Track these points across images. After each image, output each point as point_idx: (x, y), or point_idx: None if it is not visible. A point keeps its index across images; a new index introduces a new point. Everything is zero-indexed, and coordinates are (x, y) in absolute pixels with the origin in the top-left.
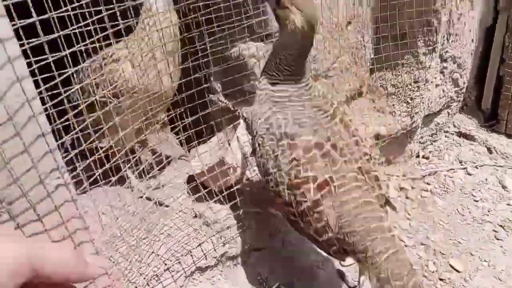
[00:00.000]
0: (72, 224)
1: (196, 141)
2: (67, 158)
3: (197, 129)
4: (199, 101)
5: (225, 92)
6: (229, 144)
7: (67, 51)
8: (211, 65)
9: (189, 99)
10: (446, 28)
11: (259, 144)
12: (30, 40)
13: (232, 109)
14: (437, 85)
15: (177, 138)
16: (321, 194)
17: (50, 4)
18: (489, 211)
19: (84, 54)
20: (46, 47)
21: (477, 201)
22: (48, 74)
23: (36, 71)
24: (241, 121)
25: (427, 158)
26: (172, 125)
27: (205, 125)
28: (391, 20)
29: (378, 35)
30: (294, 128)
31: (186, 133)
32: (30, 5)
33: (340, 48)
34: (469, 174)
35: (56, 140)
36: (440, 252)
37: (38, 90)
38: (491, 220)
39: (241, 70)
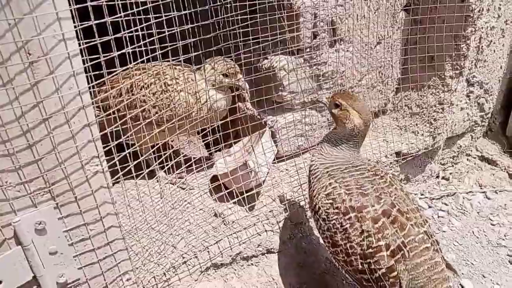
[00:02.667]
0: (104, 208)
1: (222, 144)
2: (106, 148)
3: (224, 132)
4: (229, 107)
5: (253, 100)
6: (253, 150)
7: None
8: (243, 74)
9: None
10: (475, 53)
11: (323, 219)
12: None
13: (259, 117)
14: (462, 109)
15: (203, 141)
16: (395, 259)
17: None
18: (505, 236)
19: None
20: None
21: (494, 225)
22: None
23: (89, 68)
24: (267, 129)
25: (447, 179)
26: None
27: (232, 130)
28: (420, 43)
29: (406, 56)
30: (359, 200)
31: (214, 136)
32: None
33: (368, 66)
34: (488, 198)
35: (100, 131)
36: None
37: (89, 85)
38: (506, 244)
39: (271, 81)
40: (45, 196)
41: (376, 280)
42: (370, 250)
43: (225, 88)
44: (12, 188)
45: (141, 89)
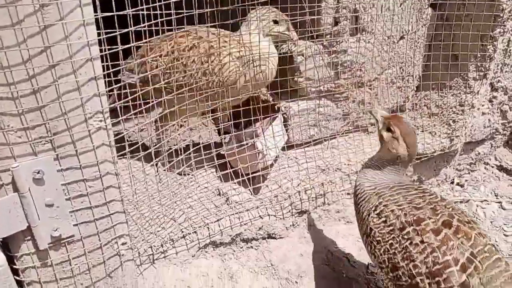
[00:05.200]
0: (104, 166)
1: (232, 122)
2: (112, 105)
3: (235, 109)
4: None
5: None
6: (263, 132)
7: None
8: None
9: None
10: (502, 57)
11: (378, 241)
12: None
13: (272, 101)
14: (483, 113)
15: (214, 122)
16: (467, 274)
17: None
18: None
19: None
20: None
21: (507, 236)
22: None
23: (100, 20)
24: (279, 114)
25: (462, 186)
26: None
27: (242, 108)
28: (445, 41)
29: (429, 53)
30: (414, 214)
31: (223, 112)
32: None
33: (389, 61)
34: (503, 209)
35: (106, 87)
36: None
37: (99, 37)
38: None
39: (287, 65)
40: (46, 146)
41: None
42: (437, 266)
43: (275, 39)
44: (14, 132)
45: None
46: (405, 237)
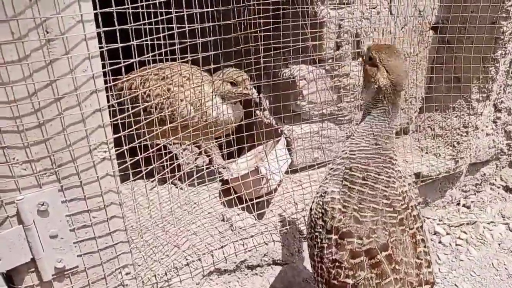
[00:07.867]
0: (109, 197)
1: (235, 147)
2: (116, 136)
3: (238, 135)
4: (245, 110)
5: (271, 107)
6: (267, 156)
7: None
8: (261, 78)
9: None
10: (504, 78)
11: (310, 226)
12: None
13: (276, 125)
14: (487, 134)
15: (218, 144)
16: None
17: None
18: None
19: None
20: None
21: None
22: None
23: (105, 53)
24: (282, 137)
25: (468, 207)
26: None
27: (246, 134)
28: (447, 63)
29: (431, 75)
30: (348, 225)
31: (227, 138)
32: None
33: None
34: (511, 230)
35: (111, 118)
36: None
37: (104, 70)
38: None
39: (290, 89)
40: (50, 178)
41: None
42: (335, 281)
43: (235, 101)
44: (19, 165)
45: (143, 85)
46: (326, 240)
